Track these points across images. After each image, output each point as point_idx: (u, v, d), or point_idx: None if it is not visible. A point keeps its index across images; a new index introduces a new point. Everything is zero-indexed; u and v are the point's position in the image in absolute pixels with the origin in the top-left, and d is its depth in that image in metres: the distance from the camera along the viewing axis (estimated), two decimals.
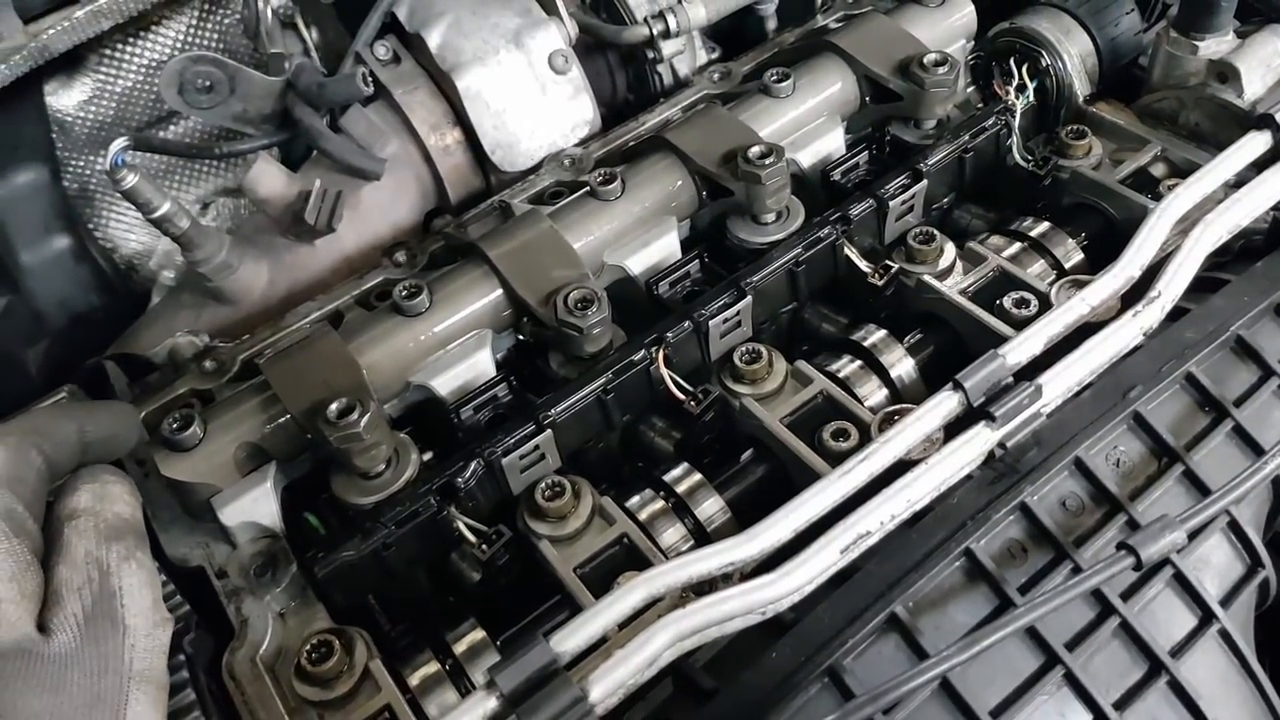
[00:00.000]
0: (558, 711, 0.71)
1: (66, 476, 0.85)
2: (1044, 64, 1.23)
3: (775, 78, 1.16)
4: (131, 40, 1.30)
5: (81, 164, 1.37)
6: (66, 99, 1.31)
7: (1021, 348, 0.87)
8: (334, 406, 0.93)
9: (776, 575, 0.76)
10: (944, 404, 0.84)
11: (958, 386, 0.83)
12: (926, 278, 1.07)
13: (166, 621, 0.82)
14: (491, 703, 0.72)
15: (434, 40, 1.27)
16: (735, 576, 0.82)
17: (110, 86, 1.32)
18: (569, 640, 0.74)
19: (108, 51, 1.30)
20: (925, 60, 1.13)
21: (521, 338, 1.12)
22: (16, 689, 0.71)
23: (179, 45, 1.33)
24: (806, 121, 1.17)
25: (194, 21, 1.33)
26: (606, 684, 0.73)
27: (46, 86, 1.28)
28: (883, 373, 1.04)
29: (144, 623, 0.79)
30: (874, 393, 1.03)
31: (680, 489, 0.99)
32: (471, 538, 0.96)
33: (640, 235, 1.11)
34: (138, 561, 0.83)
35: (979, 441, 0.83)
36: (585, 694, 0.72)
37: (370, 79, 1.25)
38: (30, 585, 0.78)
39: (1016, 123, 1.16)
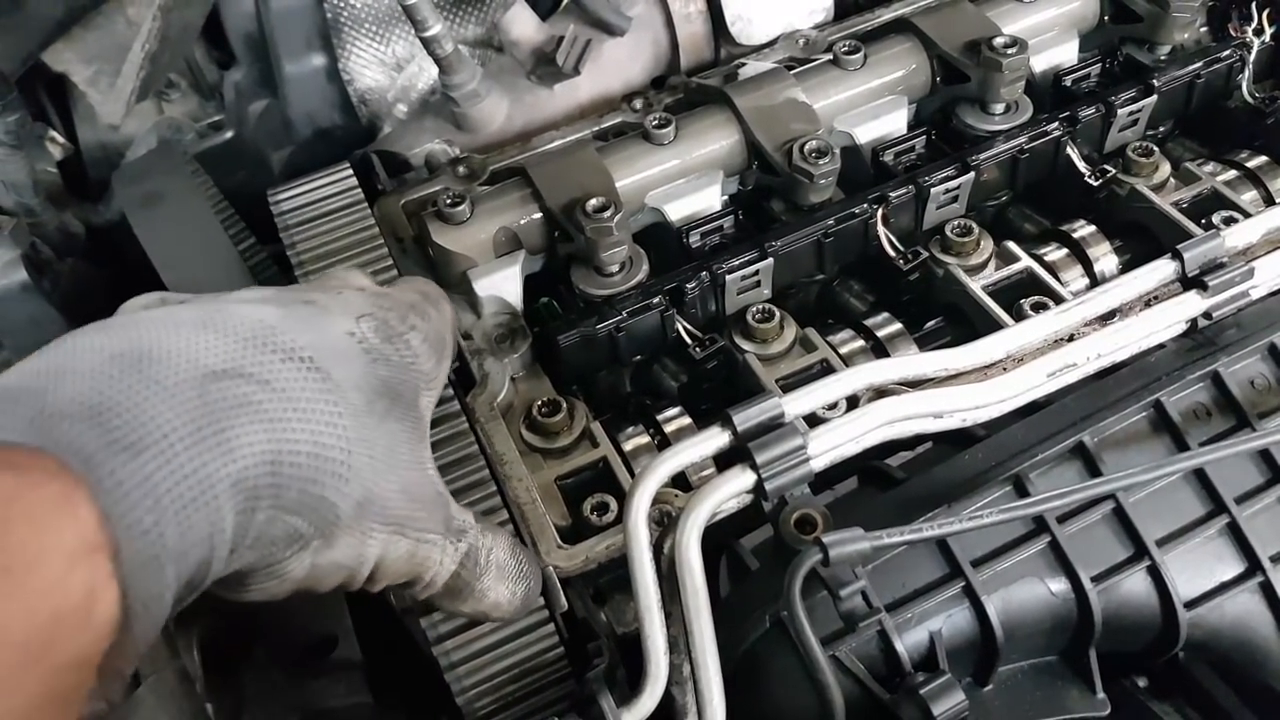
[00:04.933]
0: (782, 454, 0.86)
1: None
2: None
3: None
4: None
5: None
6: None
7: (1240, 232, 0.98)
8: (592, 202, 1.10)
9: (987, 384, 0.90)
10: (1161, 269, 0.95)
11: (1176, 255, 0.95)
12: (1140, 187, 1.17)
13: None
14: (725, 437, 0.87)
15: None
16: None
17: None
18: (793, 404, 0.89)
19: None
20: None
21: (743, 187, 1.27)
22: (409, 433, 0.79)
23: None
24: (1044, 29, 1.28)
25: None
26: (821, 443, 0.88)
27: None
28: (1087, 264, 1.15)
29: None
30: (1076, 280, 1.15)
31: (881, 334, 1.13)
32: (689, 339, 1.12)
33: (872, 108, 1.24)
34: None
35: (1188, 306, 0.94)
36: (805, 445, 0.87)
37: None
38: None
39: (1251, 58, 1.25)
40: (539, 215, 1.16)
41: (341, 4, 1.58)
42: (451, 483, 0.92)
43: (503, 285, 1.15)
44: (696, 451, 0.87)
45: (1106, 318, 0.97)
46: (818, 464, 0.88)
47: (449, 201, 1.15)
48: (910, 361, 0.91)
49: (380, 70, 1.62)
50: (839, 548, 0.80)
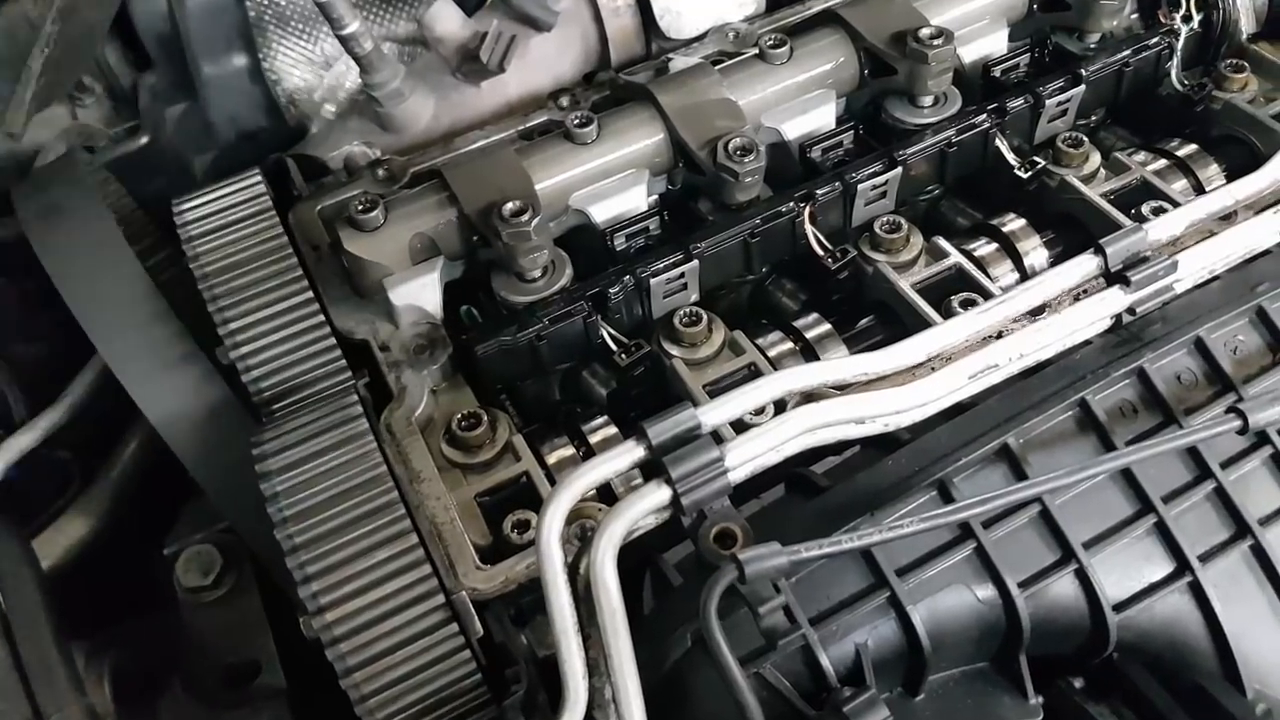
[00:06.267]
0: (698, 466, 0.83)
1: None
2: None
3: None
4: None
5: None
6: None
7: (1163, 225, 0.96)
8: (509, 206, 1.06)
9: (908, 387, 0.87)
10: (1084, 265, 0.93)
11: (1099, 250, 0.92)
12: (1070, 178, 1.15)
13: None
14: (640, 451, 0.84)
15: None
16: None
17: None
18: (710, 414, 0.86)
19: None
20: None
21: (671, 187, 1.23)
22: None
23: None
24: (973, 19, 1.25)
25: None
26: (740, 454, 0.85)
27: None
28: (1017, 258, 1.13)
29: None
30: (1006, 275, 1.13)
31: (809, 335, 1.10)
32: (613, 346, 1.08)
33: (799, 103, 1.20)
34: None
35: (1111, 302, 0.92)
36: (723, 457, 0.83)
37: None
38: None
39: (1179, 45, 1.23)
40: (456, 220, 1.12)
41: (266, 1, 1.52)
42: (356, 507, 0.88)
43: (420, 294, 1.11)
44: (610, 468, 0.84)
45: (1034, 313, 0.94)
46: (737, 475, 0.85)
47: (360, 208, 1.11)
48: (828, 367, 0.88)
49: (308, 69, 1.56)
50: (756, 564, 0.77)
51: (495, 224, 1.06)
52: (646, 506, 0.82)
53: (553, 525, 0.81)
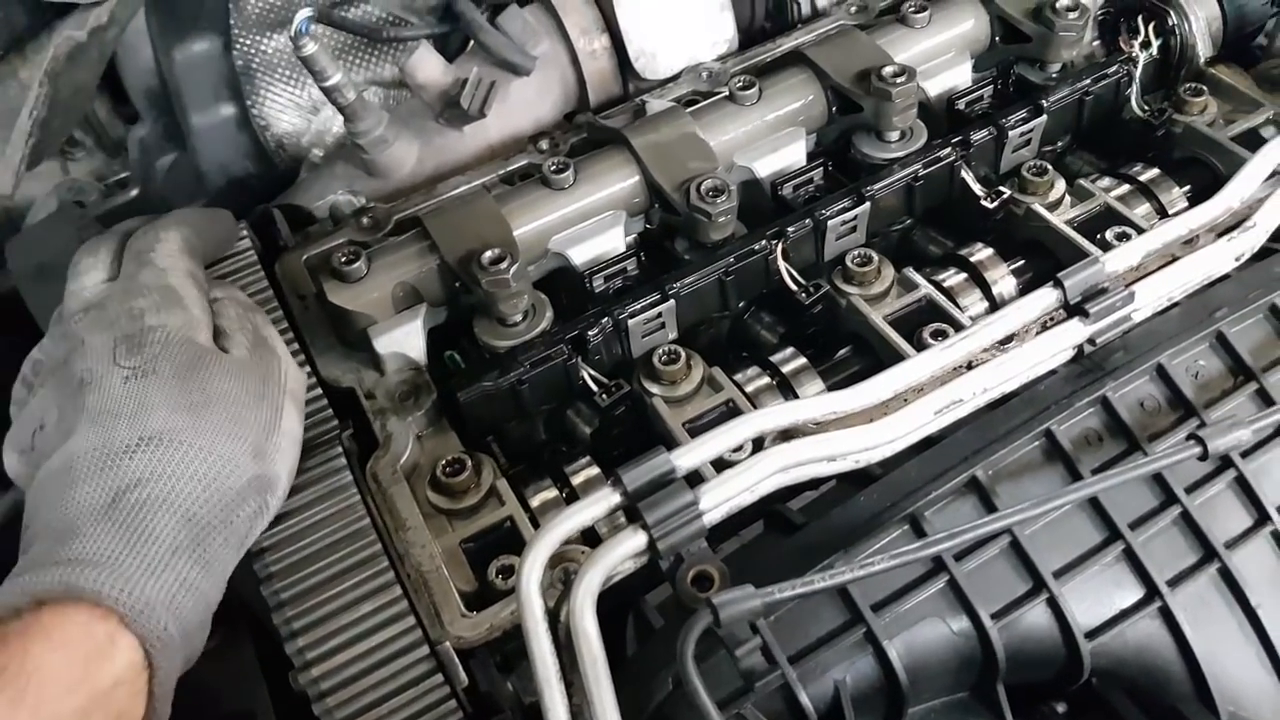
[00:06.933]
0: (673, 511, 0.83)
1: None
2: (1170, 23, 1.30)
3: (913, 8, 1.26)
4: None
5: (248, 42, 1.52)
6: None
7: (1120, 256, 0.97)
8: (488, 254, 1.07)
9: (876, 425, 0.87)
10: (1043, 298, 0.94)
11: (1058, 284, 0.93)
12: (1036, 206, 1.16)
13: (304, 368, 1.02)
14: (615, 498, 0.85)
15: None
16: None
17: None
18: (684, 458, 0.87)
19: None
20: (1058, 4, 1.22)
21: (649, 226, 1.25)
22: (213, 373, 0.90)
23: None
24: (937, 54, 1.27)
25: None
26: (714, 496, 0.85)
27: None
28: (985, 287, 1.14)
29: (291, 359, 0.99)
30: (975, 304, 1.14)
31: (786, 369, 1.11)
32: (594, 387, 1.09)
33: (770, 141, 1.22)
34: (273, 328, 1.03)
35: (1071, 334, 0.93)
36: (697, 500, 0.84)
37: None
38: (209, 317, 0.97)
39: (1138, 73, 1.24)
40: (437, 268, 1.13)
41: (253, 50, 1.53)
42: (340, 561, 0.89)
43: (404, 341, 1.12)
44: (587, 515, 0.84)
45: (1002, 343, 0.95)
46: (711, 518, 0.86)
47: (344, 259, 1.12)
48: (798, 407, 0.89)
49: (297, 114, 1.58)
50: (730, 608, 0.77)
51: (475, 272, 1.07)
52: (623, 553, 0.83)
53: (531, 576, 0.81)
